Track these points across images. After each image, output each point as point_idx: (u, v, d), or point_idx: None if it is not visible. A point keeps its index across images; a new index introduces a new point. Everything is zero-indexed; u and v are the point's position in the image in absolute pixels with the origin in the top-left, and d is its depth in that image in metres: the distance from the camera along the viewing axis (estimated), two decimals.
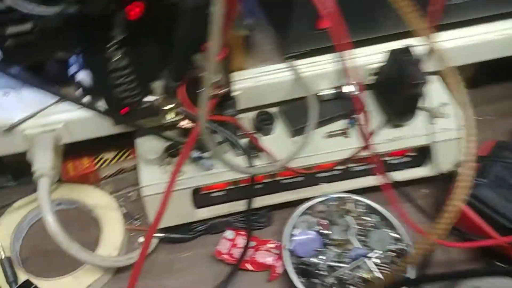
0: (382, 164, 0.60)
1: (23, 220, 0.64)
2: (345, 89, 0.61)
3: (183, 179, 0.59)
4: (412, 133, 0.64)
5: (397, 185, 0.66)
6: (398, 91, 0.58)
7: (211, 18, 0.35)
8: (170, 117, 0.49)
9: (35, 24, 0.47)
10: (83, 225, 0.65)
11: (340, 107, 0.64)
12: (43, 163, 0.53)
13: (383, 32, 0.62)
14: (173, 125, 0.54)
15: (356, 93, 0.62)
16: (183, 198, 0.61)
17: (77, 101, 0.47)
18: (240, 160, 0.60)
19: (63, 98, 0.46)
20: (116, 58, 0.45)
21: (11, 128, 0.55)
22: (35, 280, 0.59)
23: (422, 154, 0.66)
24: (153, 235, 0.62)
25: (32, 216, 0.65)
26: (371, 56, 0.62)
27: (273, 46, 0.64)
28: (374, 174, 0.64)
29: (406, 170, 0.68)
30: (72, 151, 0.68)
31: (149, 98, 0.48)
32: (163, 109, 0.47)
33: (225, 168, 0.59)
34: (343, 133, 0.64)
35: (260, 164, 0.60)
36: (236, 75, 0.60)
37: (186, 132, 0.56)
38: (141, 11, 0.40)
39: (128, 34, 0.43)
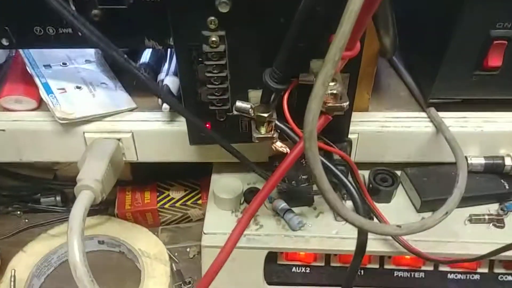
0: None
1: (53, 253, 0.50)
2: (506, 161, 0.46)
3: (258, 235, 0.44)
4: None
5: None
6: None
7: None
8: (263, 131, 0.35)
9: None
10: (122, 274, 0.51)
11: (493, 184, 0.47)
12: (92, 172, 0.41)
13: None
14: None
15: None
16: (253, 262, 0.45)
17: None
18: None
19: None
20: (212, 39, 0.34)
21: (71, 123, 0.44)
22: None
23: None
24: None
25: (66, 251, 0.51)
26: None
27: (409, 92, 0.50)
28: None
29: None
30: (135, 182, 0.57)
31: (240, 104, 0.35)
32: (259, 115, 0.34)
33: (318, 233, 0.44)
34: (494, 220, 0.46)
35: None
36: (356, 116, 0.46)
37: None
38: None
39: (232, 11, 0.32)
